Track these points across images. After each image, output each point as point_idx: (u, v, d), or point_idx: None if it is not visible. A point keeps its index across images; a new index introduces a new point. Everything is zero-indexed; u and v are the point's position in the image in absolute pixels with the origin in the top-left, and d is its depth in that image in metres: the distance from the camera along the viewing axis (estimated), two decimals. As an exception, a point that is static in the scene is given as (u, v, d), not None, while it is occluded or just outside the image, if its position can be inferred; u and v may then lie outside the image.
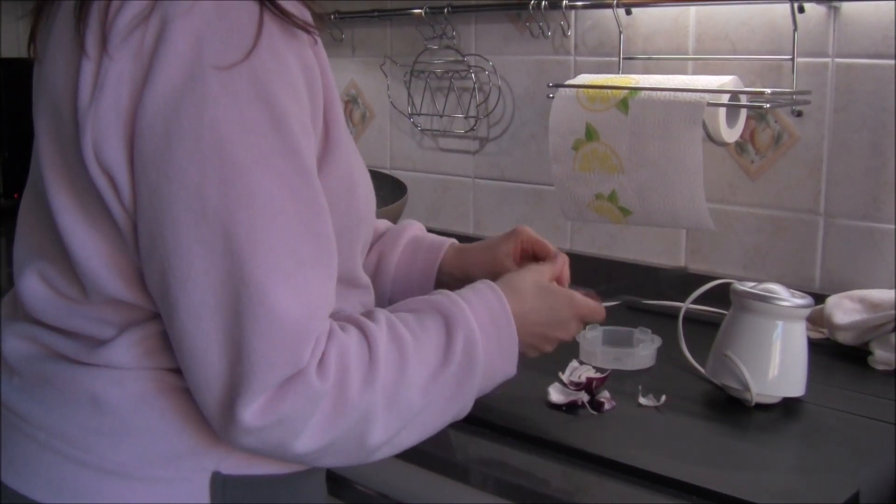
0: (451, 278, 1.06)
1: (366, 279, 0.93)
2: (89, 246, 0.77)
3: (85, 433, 0.79)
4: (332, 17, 1.97)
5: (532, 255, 1.05)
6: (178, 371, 0.78)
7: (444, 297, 0.86)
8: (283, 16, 0.73)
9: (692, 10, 1.52)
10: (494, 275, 0.95)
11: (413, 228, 1.12)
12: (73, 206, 0.76)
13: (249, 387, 0.71)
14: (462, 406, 0.84)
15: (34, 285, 0.82)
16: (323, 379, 0.73)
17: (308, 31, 0.75)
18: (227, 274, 0.70)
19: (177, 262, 0.71)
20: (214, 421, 0.74)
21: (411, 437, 0.82)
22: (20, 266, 0.85)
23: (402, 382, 0.78)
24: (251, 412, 0.71)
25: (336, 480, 1.10)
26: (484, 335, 0.84)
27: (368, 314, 0.82)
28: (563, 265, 1.00)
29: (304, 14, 0.76)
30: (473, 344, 0.82)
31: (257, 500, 0.82)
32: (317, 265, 0.74)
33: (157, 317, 0.78)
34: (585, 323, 0.98)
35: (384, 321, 0.80)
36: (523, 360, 0.91)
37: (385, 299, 1.07)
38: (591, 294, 0.98)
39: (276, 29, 0.72)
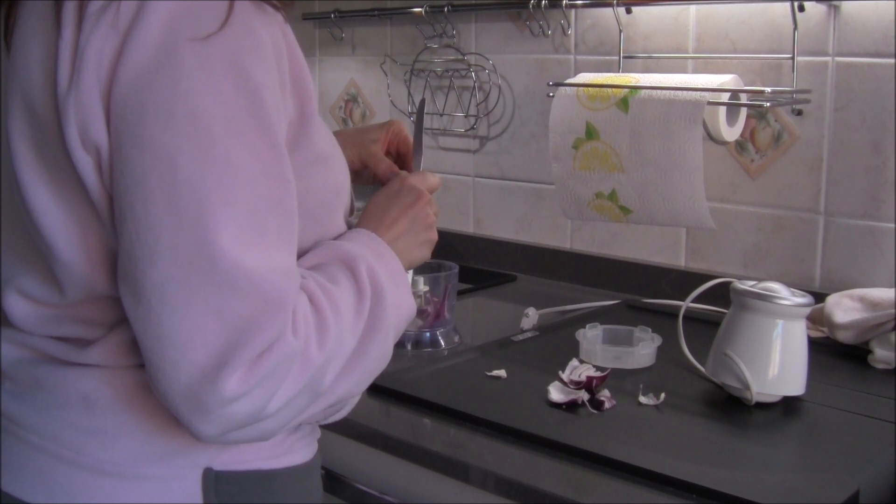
0: None
1: None
2: (75, 243, 0.76)
3: (77, 434, 0.79)
4: (333, 15, 1.97)
5: (396, 152, 1.10)
6: None
7: (333, 244, 0.85)
8: None
9: (692, 9, 1.52)
10: (362, 157, 1.05)
11: None
12: (53, 203, 0.76)
13: (236, 354, 0.69)
14: (383, 345, 0.83)
15: (15, 302, 0.82)
16: (296, 336, 0.73)
17: (277, 9, 0.76)
18: (198, 244, 0.69)
19: (145, 233, 0.69)
20: (184, 404, 0.71)
21: (348, 382, 0.80)
22: (2, 284, 0.84)
23: (341, 327, 0.78)
24: (235, 378, 0.69)
25: (335, 479, 1.10)
26: (379, 266, 0.85)
27: None
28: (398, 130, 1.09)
29: None
30: (375, 275, 0.83)
31: (250, 496, 0.82)
32: (280, 239, 0.74)
33: None
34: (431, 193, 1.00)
35: (308, 277, 0.80)
36: (522, 350, 0.90)
37: None
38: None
39: (249, 4, 0.73)
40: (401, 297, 0.86)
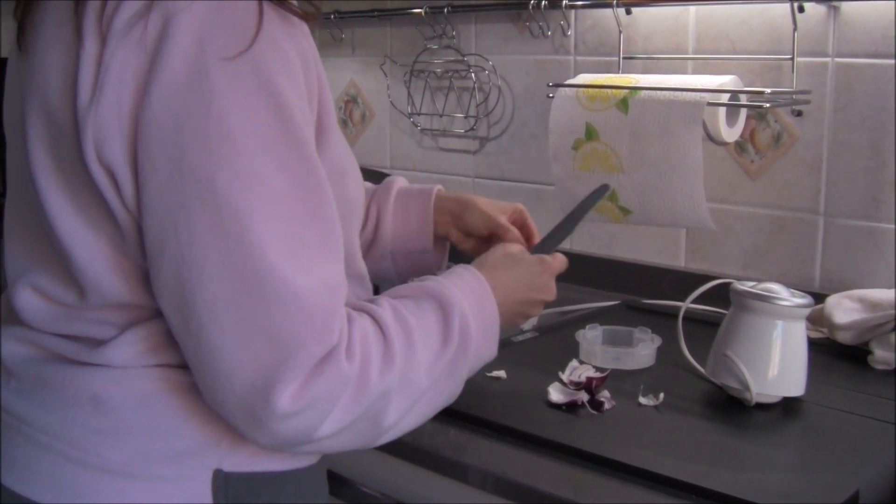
0: (445, 224, 1.11)
1: (363, 268, 0.94)
2: (91, 249, 0.76)
3: (86, 433, 0.78)
4: (333, 16, 1.97)
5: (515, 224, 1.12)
6: (180, 367, 0.78)
7: (433, 282, 0.88)
8: (281, 5, 0.73)
9: (692, 10, 1.53)
10: (489, 227, 1.07)
11: (399, 181, 1.15)
12: (71, 209, 0.76)
13: (286, 370, 0.71)
14: (455, 387, 0.87)
15: (27, 298, 0.82)
16: (350, 360, 0.75)
17: (305, 21, 0.76)
18: (243, 263, 0.70)
19: (192, 256, 0.70)
20: (240, 416, 0.74)
21: (415, 418, 0.83)
22: (11, 280, 0.84)
23: (412, 364, 0.80)
24: (287, 396, 0.71)
25: (336, 479, 1.10)
26: (473, 317, 0.87)
27: (372, 301, 0.84)
28: (523, 218, 1.11)
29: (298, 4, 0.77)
30: (467, 326, 0.85)
31: (259, 498, 0.82)
32: (324, 249, 0.75)
33: (158, 315, 0.78)
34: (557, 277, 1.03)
35: (388, 306, 0.82)
36: (522, 351, 0.92)
37: (387, 251, 1.11)
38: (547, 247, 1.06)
39: (275, 19, 0.73)
40: (486, 347, 0.89)
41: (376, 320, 0.79)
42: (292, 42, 0.74)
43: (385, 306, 0.82)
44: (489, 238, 1.09)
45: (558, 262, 1.02)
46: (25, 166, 0.79)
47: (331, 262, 0.75)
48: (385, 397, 0.78)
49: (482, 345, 0.88)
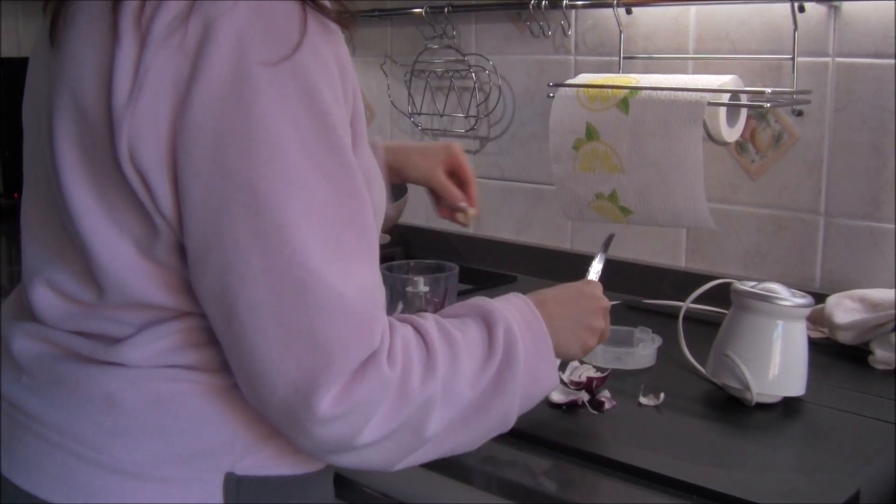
0: (392, 179, 1.19)
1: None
2: (113, 247, 0.76)
3: (99, 433, 0.78)
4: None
5: (449, 173, 1.20)
6: (197, 370, 0.78)
7: (478, 300, 0.89)
8: (322, 11, 0.73)
9: (692, 10, 1.52)
10: (428, 181, 1.17)
11: None
12: (95, 207, 0.76)
13: (328, 374, 0.71)
14: (506, 407, 0.84)
15: (43, 295, 0.81)
16: (392, 366, 0.75)
17: (344, 27, 0.77)
18: (286, 267, 0.70)
19: (235, 260, 0.71)
20: (282, 418, 0.74)
21: (462, 437, 0.82)
22: (27, 276, 0.84)
23: (456, 374, 0.80)
24: (329, 400, 0.71)
25: (338, 481, 1.10)
26: (520, 331, 0.86)
27: (417, 315, 0.85)
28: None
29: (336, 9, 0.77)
30: (513, 338, 0.85)
31: (271, 501, 0.82)
32: (362, 253, 0.75)
33: (178, 316, 0.78)
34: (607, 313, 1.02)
35: (432, 319, 0.83)
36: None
37: None
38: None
39: (315, 24, 0.73)
40: (542, 369, 0.87)
41: (418, 329, 0.80)
42: (331, 49, 0.74)
43: (429, 318, 0.82)
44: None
45: (604, 299, 1.01)
46: (48, 162, 0.78)
47: (368, 266, 0.76)
48: (427, 406, 0.77)
49: (536, 364, 0.86)
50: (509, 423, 0.86)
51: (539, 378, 0.87)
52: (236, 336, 0.73)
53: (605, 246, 1.15)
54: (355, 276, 0.73)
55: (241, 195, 0.70)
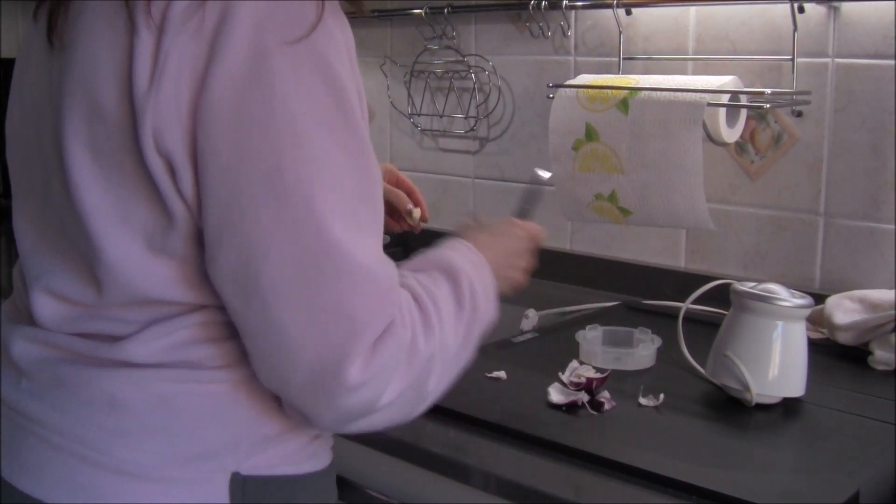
0: None
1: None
2: (122, 246, 0.76)
3: (102, 435, 0.78)
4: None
5: (394, 185, 1.27)
6: (201, 367, 0.78)
7: (437, 253, 0.90)
8: None
9: (692, 10, 1.53)
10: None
11: None
12: (105, 206, 0.75)
13: (356, 342, 0.72)
14: (472, 351, 0.88)
15: (43, 302, 0.81)
16: (404, 327, 0.77)
17: (353, 13, 0.79)
18: (311, 240, 0.71)
19: (257, 235, 0.71)
20: (306, 393, 0.74)
21: (444, 382, 0.84)
22: (28, 282, 0.84)
23: (444, 330, 0.82)
24: (356, 368, 0.73)
25: (339, 481, 1.10)
26: (477, 282, 0.89)
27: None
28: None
29: None
30: (474, 290, 0.87)
31: (276, 501, 0.82)
32: (374, 227, 0.77)
33: (185, 312, 0.78)
34: (537, 245, 1.07)
35: (411, 277, 0.84)
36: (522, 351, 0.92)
37: None
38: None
39: (328, 7, 0.74)
40: (490, 311, 0.91)
41: (408, 289, 0.81)
42: (342, 31, 0.76)
43: (408, 276, 0.83)
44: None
45: (535, 229, 1.07)
46: (50, 165, 0.78)
47: (378, 240, 0.78)
48: (430, 362, 0.80)
49: (487, 308, 0.90)
50: (469, 361, 0.89)
51: (489, 321, 0.91)
52: (258, 313, 0.73)
53: (530, 184, 1.21)
54: (371, 248, 0.75)
55: (262, 173, 0.71)
